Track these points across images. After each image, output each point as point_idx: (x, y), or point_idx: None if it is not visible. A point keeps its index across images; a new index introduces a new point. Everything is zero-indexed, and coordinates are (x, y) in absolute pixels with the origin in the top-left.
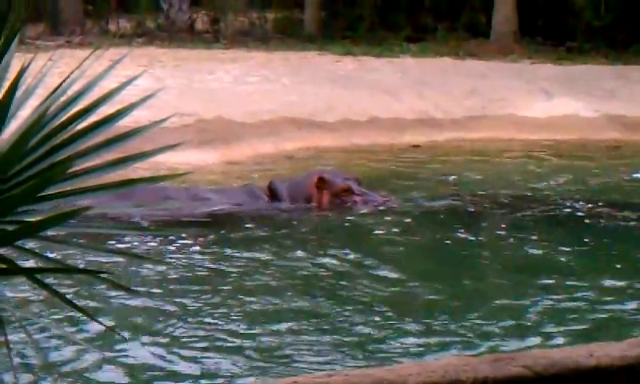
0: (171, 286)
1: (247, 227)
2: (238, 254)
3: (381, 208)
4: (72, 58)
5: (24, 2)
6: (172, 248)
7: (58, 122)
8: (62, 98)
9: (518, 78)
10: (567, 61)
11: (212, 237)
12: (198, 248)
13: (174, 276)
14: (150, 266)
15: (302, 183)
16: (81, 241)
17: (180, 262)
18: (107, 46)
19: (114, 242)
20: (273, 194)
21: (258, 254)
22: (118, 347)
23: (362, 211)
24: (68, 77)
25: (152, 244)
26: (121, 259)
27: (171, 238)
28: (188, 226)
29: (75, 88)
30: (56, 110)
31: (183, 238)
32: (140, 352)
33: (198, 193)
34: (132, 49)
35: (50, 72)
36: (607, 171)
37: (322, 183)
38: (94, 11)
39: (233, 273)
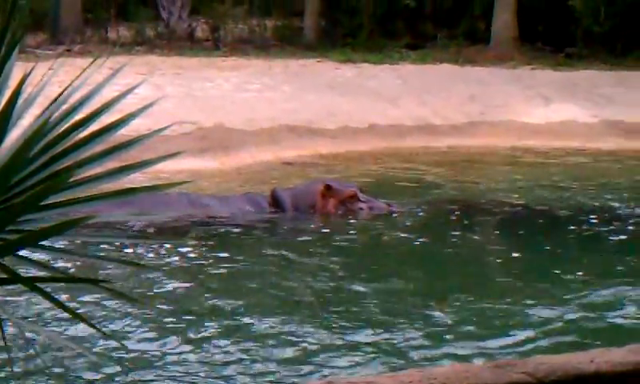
0: (170, 295)
1: (249, 235)
2: (238, 262)
3: (384, 215)
4: (72, 66)
5: (24, 11)
6: (172, 256)
7: (59, 131)
8: (63, 107)
9: (517, 84)
10: (566, 67)
11: (212, 244)
12: (198, 255)
13: (174, 284)
14: (150, 274)
15: (305, 191)
16: (82, 249)
17: (180, 270)
18: (107, 55)
19: (114, 249)
20: (276, 202)
21: (259, 263)
22: (115, 353)
23: (366, 218)
24: (69, 86)
25: (152, 252)
26: (118, 267)
27: (171, 245)
28: (189, 233)
29: (76, 97)
30: (57, 119)
31: (183, 246)
32: (139, 359)
33: (199, 200)
34: (132, 57)
35: (51, 81)
36: (606, 176)
37: (327, 191)
38: (93, 20)
39: (232, 279)
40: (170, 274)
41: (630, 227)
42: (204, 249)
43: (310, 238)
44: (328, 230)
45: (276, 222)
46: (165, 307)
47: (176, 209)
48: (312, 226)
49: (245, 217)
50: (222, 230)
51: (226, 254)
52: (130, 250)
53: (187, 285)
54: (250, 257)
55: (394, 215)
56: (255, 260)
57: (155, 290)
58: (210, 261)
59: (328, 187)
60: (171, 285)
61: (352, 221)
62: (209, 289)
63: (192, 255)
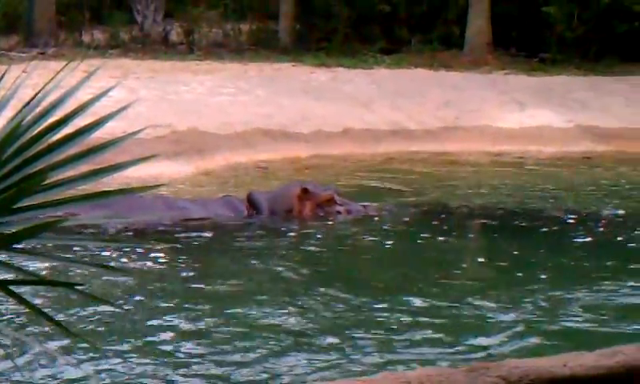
0: (142, 297)
1: (222, 238)
2: (213, 265)
3: (361, 218)
4: (46, 69)
5: None
6: (144, 259)
7: (33, 134)
8: (37, 110)
9: (491, 89)
10: (540, 72)
11: (184, 247)
12: (169, 259)
13: (147, 287)
14: (122, 277)
15: (282, 194)
16: (54, 252)
17: (153, 273)
18: (81, 58)
19: (86, 253)
20: (252, 205)
21: (232, 265)
22: (89, 357)
23: (343, 221)
24: (42, 89)
25: (124, 255)
26: (91, 270)
27: (144, 248)
28: (164, 235)
29: (49, 100)
30: (30, 121)
31: (157, 250)
32: (112, 363)
33: (175, 203)
34: (106, 60)
35: (24, 84)
36: (579, 181)
37: (304, 194)
38: (67, 23)
39: (205, 282)
40: (140, 276)
41: (600, 229)
42: (175, 252)
43: (284, 242)
44: (302, 233)
45: (251, 226)
46: (132, 308)
47: (152, 212)
48: (286, 229)
49: (221, 220)
50: (196, 233)
51: (197, 258)
52: (106, 253)
53: (158, 286)
54: (221, 260)
55: (374, 219)
56: (226, 263)
57: (125, 293)
58: (180, 264)
59: (305, 190)
60: (140, 287)
61: (329, 223)
62: (174, 292)
63: (164, 258)
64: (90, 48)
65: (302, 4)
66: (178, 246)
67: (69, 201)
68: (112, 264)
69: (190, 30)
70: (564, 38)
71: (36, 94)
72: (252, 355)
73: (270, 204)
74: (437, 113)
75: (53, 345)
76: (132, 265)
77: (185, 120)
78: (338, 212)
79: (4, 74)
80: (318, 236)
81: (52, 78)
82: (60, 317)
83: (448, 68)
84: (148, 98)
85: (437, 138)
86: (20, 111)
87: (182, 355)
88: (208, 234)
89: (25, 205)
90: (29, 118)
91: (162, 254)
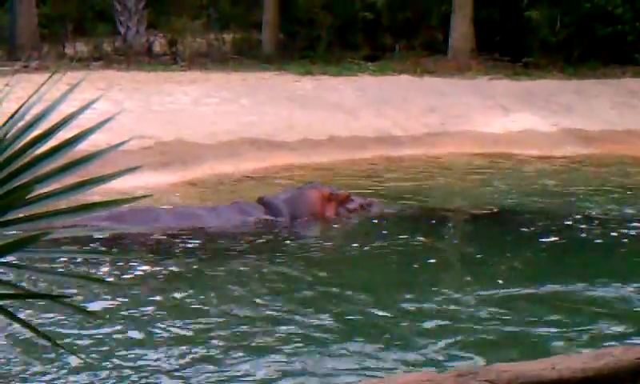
0: (135, 311)
1: (254, 244)
2: (259, 270)
3: (379, 212)
4: (29, 82)
5: None
6: (147, 270)
7: (17, 147)
8: (20, 123)
9: (476, 95)
10: (524, 76)
11: (210, 255)
12: (185, 269)
13: (140, 300)
14: (118, 291)
15: (302, 197)
16: (45, 265)
17: (151, 286)
18: (64, 70)
19: (86, 266)
20: (270, 209)
21: (269, 272)
22: (77, 370)
23: (364, 217)
24: (26, 102)
25: (125, 268)
26: (80, 284)
27: (150, 261)
28: (176, 246)
29: (33, 112)
30: (14, 135)
31: (164, 261)
32: (100, 376)
33: (189, 211)
34: (89, 72)
35: (8, 97)
36: (563, 184)
37: (328, 195)
38: (50, 35)
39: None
40: (134, 288)
41: (598, 231)
42: (199, 257)
43: (329, 244)
44: (341, 235)
45: (279, 230)
46: (123, 321)
47: (164, 222)
48: (317, 232)
49: (238, 226)
50: (220, 240)
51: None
52: (105, 268)
53: (157, 300)
54: (263, 265)
55: (389, 213)
56: (275, 268)
57: (116, 306)
58: (194, 274)
59: (329, 193)
60: (138, 301)
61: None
62: (176, 306)
63: (175, 269)
64: (73, 60)
65: (285, 13)
66: (200, 252)
67: (53, 214)
68: (110, 278)
69: (174, 41)
70: (547, 43)
71: (20, 107)
72: (259, 360)
73: (290, 207)
74: (422, 119)
75: (37, 356)
76: (124, 277)
77: (170, 131)
78: (356, 210)
79: None
80: (357, 238)
81: (35, 91)
82: (45, 330)
83: (432, 74)
84: (132, 110)
85: (422, 143)
86: (4, 124)
87: (167, 364)
88: (230, 240)
89: (10, 218)
90: (13, 131)
91: (167, 264)
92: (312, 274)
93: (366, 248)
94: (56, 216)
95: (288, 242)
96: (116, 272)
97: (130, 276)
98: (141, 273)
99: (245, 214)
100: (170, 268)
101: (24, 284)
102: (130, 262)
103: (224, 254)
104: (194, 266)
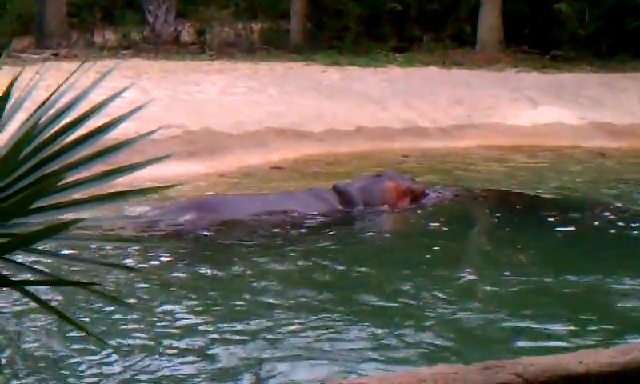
0: (166, 300)
1: (322, 233)
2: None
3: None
4: (59, 70)
5: (10, 17)
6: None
7: (47, 135)
8: (51, 111)
9: (503, 87)
10: (553, 69)
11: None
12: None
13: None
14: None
15: (375, 186)
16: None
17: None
18: (94, 59)
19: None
20: (344, 197)
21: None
22: (107, 359)
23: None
24: (56, 90)
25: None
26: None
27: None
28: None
29: (63, 101)
30: (45, 122)
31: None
32: (130, 364)
33: (270, 200)
34: (118, 61)
35: (38, 85)
36: (592, 177)
37: (401, 187)
38: (79, 24)
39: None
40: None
41: (616, 227)
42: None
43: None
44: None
45: (349, 219)
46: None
47: (250, 211)
48: (388, 224)
49: (314, 214)
50: (307, 229)
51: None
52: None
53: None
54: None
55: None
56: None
57: (148, 295)
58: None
59: (405, 186)
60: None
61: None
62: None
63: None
64: (104, 49)
65: (313, 3)
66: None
67: (84, 202)
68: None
69: (202, 30)
70: (576, 35)
71: (50, 96)
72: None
73: (364, 196)
74: (449, 111)
75: (67, 344)
76: (150, 265)
77: (197, 120)
78: (427, 194)
79: (18, 76)
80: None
81: (65, 80)
82: (77, 318)
83: (460, 66)
84: (160, 99)
85: (449, 135)
86: (34, 112)
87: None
88: (319, 230)
89: (40, 205)
90: (43, 119)
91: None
92: (368, 269)
93: (428, 242)
94: (85, 204)
95: (357, 232)
96: (153, 262)
97: (163, 263)
98: (181, 261)
99: (321, 200)
100: (221, 257)
101: (54, 271)
102: (168, 250)
103: (279, 243)
104: (250, 255)
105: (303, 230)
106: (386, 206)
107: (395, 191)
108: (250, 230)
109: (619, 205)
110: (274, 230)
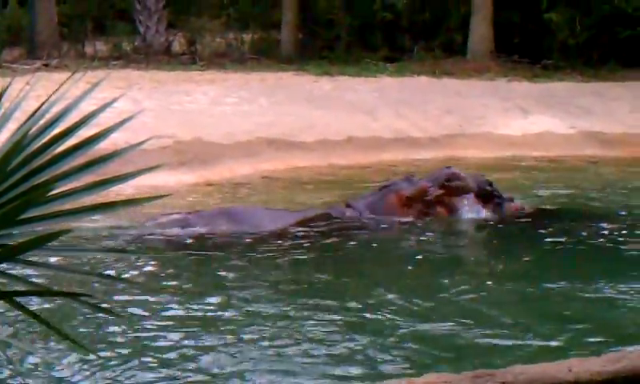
0: (153, 308)
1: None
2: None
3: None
4: (49, 81)
5: (1, 27)
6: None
7: (37, 145)
8: (41, 121)
9: (494, 96)
10: (543, 78)
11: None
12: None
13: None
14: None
15: (381, 201)
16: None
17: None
18: (84, 69)
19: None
20: (355, 212)
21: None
22: (93, 368)
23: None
24: (46, 100)
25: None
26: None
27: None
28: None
29: (53, 111)
30: (35, 133)
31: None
32: (116, 374)
33: (286, 214)
34: (109, 72)
35: (28, 95)
36: (583, 186)
37: (404, 199)
38: (70, 34)
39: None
40: (151, 290)
41: (608, 237)
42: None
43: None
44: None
45: (355, 233)
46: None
47: (273, 224)
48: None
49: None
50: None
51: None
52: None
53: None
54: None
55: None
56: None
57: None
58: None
59: (406, 196)
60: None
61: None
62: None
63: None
64: (94, 59)
65: (305, 13)
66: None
67: (74, 212)
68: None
69: (193, 40)
70: (566, 45)
71: (40, 106)
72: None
73: (371, 211)
74: (440, 120)
75: (54, 355)
76: (140, 277)
77: (188, 130)
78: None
79: (8, 86)
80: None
81: (56, 90)
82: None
83: (451, 75)
84: (151, 109)
85: (441, 145)
86: (25, 122)
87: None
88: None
89: (30, 216)
90: (34, 129)
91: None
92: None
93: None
94: (75, 214)
95: (348, 244)
96: (145, 271)
97: (156, 274)
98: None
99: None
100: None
101: (44, 281)
102: (160, 262)
103: (264, 256)
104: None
105: (298, 241)
106: (391, 217)
107: (398, 203)
108: (248, 241)
109: (610, 214)
110: (272, 241)
